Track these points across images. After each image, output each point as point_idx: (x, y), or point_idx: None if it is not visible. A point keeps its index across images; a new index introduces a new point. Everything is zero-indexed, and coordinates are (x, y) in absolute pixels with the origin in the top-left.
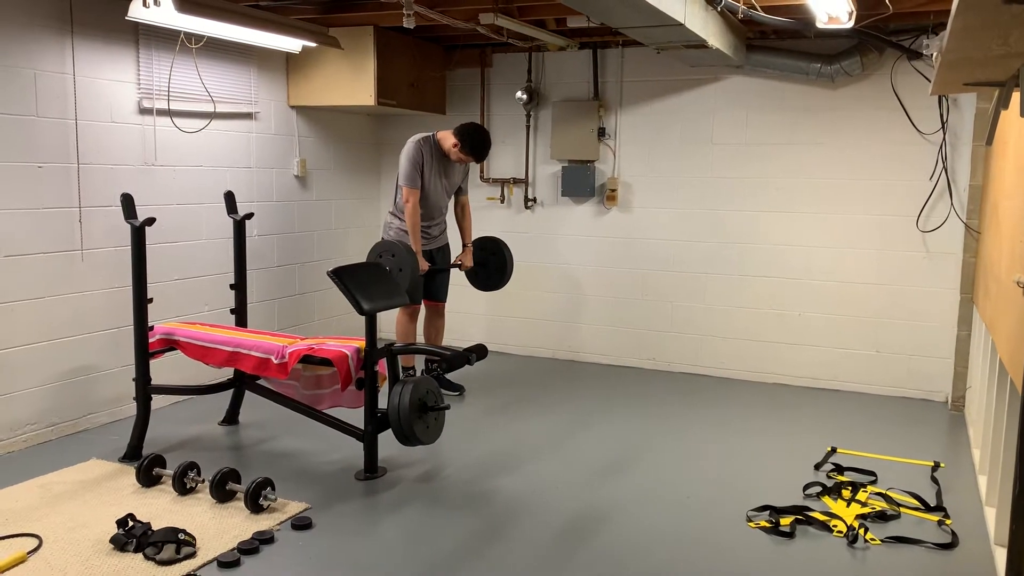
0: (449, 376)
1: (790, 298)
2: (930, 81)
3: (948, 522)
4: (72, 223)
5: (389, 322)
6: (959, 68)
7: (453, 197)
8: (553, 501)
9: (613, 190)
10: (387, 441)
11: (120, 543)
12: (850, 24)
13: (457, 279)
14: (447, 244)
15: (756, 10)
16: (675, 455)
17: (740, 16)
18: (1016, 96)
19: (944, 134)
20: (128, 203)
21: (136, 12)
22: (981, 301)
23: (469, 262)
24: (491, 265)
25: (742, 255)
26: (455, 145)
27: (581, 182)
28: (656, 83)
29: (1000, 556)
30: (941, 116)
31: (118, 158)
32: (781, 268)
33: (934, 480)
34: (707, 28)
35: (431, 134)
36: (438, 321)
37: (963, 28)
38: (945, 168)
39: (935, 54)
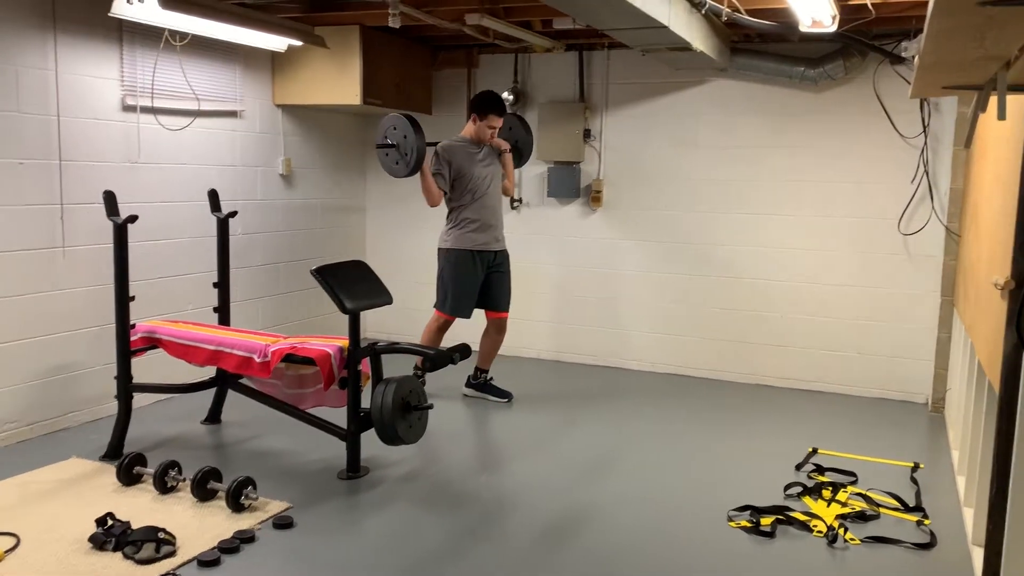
0: (496, 384)
1: (773, 300)
2: (911, 86)
3: (927, 522)
4: (54, 220)
5: (374, 321)
6: (937, 71)
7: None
8: (537, 501)
9: (598, 191)
10: (370, 440)
11: (99, 542)
12: (833, 28)
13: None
14: (506, 250)
15: (740, 13)
16: (657, 455)
17: (724, 19)
18: (993, 100)
19: (925, 138)
20: (110, 200)
21: (120, 9)
22: (961, 304)
23: (504, 144)
24: (520, 145)
25: (726, 257)
26: (474, 120)
27: (567, 183)
28: (641, 85)
29: (977, 556)
30: (922, 120)
31: (101, 155)
32: (765, 270)
33: (913, 481)
34: (691, 31)
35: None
36: (498, 337)
37: (939, 31)
38: (926, 172)
39: (914, 56)
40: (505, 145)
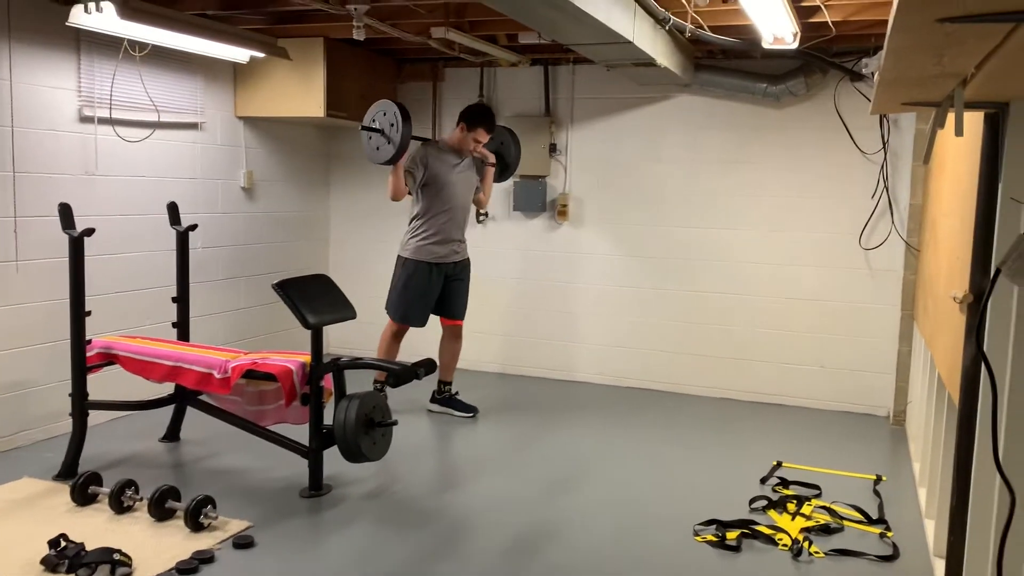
0: (461, 398)
1: (737, 314)
2: (871, 102)
3: (889, 534)
4: (7, 233)
5: (337, 336)
6: (897, 87)
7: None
8: (501, 517)
9: (564, 205)
10: (333, 458)
11: (51, 564)
12: (795, 45)
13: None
14: (468, 260)
15: (703, 30)
16: (622, 470)
17: (688, 35)
18: (951, 116)
19: (885, 154)
20: (66, 213)
21: (77, 18)
22: (921, 317)
23: (491, 156)
24: (505, 156)
25: (690, 271)
26: (462, 129)
27: (533, 197)
28: (606, 100)
29: (939, 567)
30: (882, 136)
31: (57, 167)
32: (728, 284)
33: (876, 493)
34: (656, 47)
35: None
36: (455, 344)
37: (899, 48)
38: (886, 187)
39: (874, 73)
40: (491, 157)
